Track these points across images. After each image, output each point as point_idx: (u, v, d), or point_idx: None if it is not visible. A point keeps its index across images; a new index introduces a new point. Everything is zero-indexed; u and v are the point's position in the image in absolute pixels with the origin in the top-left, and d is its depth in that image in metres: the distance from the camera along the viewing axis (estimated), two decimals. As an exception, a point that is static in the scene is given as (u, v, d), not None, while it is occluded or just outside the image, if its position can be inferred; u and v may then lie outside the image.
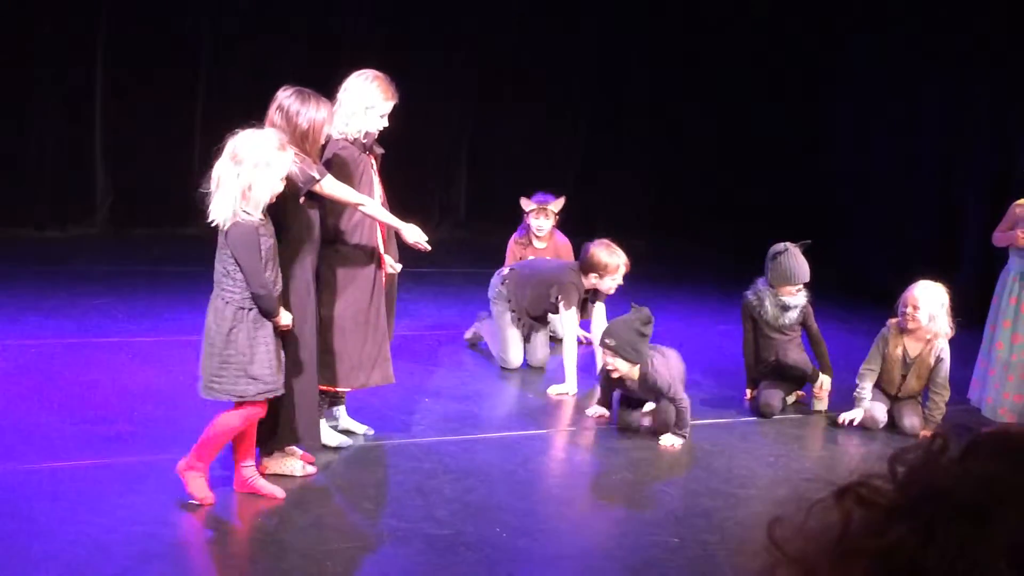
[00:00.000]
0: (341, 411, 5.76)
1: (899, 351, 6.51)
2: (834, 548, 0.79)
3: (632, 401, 6.31)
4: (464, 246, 11.45)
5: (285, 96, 4.93)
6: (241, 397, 4.61)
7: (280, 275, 4.70)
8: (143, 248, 10.11)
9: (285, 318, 4.68)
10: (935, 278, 6.56)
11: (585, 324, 7.41)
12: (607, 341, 5.98)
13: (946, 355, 6.44)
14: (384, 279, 5.49)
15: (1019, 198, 6.65)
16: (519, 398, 6.82)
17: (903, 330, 6.48)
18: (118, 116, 10.46)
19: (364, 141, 5.35)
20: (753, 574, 0.81)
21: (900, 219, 10.81)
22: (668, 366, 6.08)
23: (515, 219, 9.88)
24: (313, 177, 4.87)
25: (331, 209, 5.19)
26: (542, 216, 7.86)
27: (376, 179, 5.45)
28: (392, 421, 5.96)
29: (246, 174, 4.44)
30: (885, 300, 6.92)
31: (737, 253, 10.35)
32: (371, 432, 5.77)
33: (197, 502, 4.65)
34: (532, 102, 12.15)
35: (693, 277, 10.77)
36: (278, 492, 4.85)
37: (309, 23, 11.02)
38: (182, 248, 10.20)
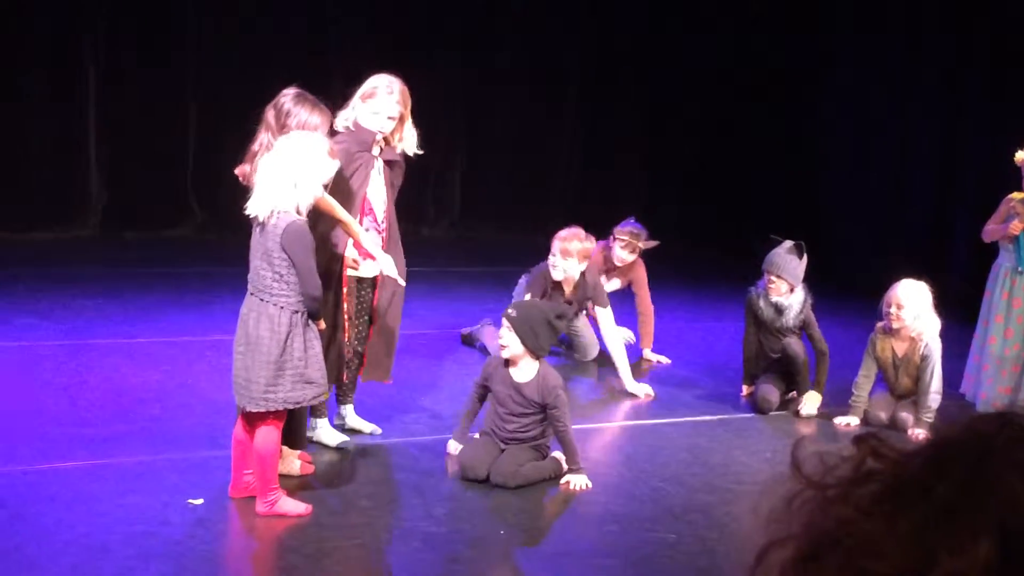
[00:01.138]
0: (348, 409, 5.75)
1: (888, 353, 6.53)
2: (851, 475, 0.86)
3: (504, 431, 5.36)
4: (457, 245, 11.46)
5: (284, 95, 4.95)
6: (298, 403, 4.58)
7: None
8: (136, 250, 10.09)
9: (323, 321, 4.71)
10: (921, 276, 6.58)
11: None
12: (510, 312, 5.29)
13: (933, 351, 6.40)
14: (373, 281, 5.44)
15: (1011, 192, 6.65)
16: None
17: (888, 331, 6.49)
18: (112, 118, 10.44)
19: (353, 130, 5.29)
20: (778, 498, 0.88)
21: (896, 217, 10.86)
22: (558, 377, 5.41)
23: (508, 218, 9.85)
24: None
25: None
26: (627, 250, 7.60)
27: (379, 180, 5.38)
28: (389, 420, 5.95)
29: (294, 173, 4.41)
30: (878, 297, 6.90)
31: (737, 252, 10.39)
32: (379, 431, 5.74)
33: (300, 516, 4.63)
34: (530, 102, 12.17)
35: (692, 276, 10.77)
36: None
37: (306, 24, 11.00)
38: (175, 250, 10.21)
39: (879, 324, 6.56)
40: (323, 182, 4.57)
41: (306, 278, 4.48)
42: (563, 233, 6.99)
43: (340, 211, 5.01)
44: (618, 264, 7.67)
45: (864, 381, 6.59)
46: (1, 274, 8.54)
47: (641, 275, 7.78)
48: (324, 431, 5.51)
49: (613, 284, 7.76)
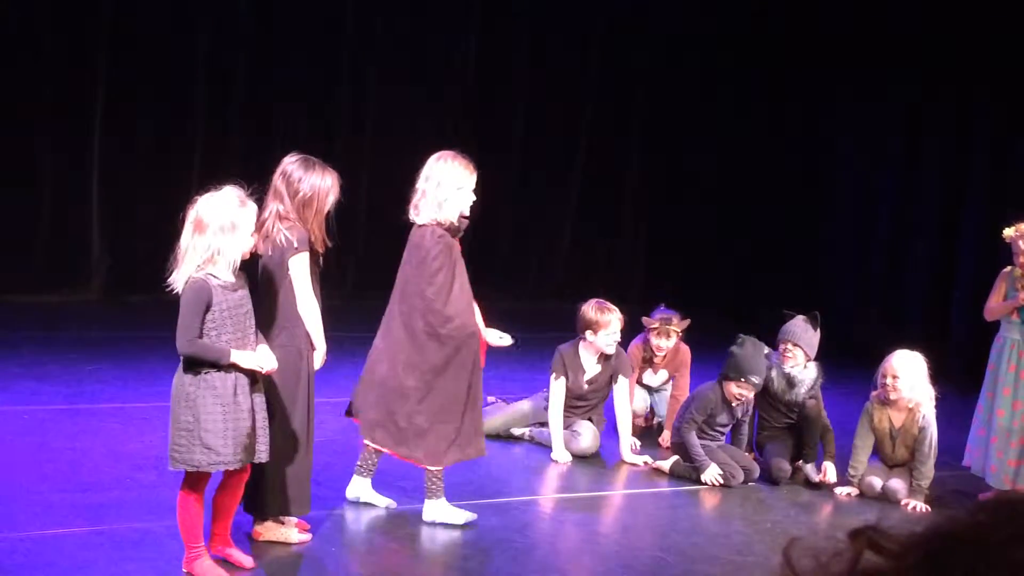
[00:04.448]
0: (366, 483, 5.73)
1: (884, 424, 6.50)
2: (847, 572, 0.84)
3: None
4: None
5: (289, 162, 4.96)
6: (197, 467, 4.44)
7: (253, 336, 4.57)
8: (138, 314, 10.09)
9: (249, 360, 4.46)
10: (917, 346, 6.58)
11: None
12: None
13: (929, 422, 6.41)
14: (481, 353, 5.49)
15: (1006, 266, 6.61)
16: (518, 464, 6.79)
17: (885, 402, 6.48)
18: (115, 181, 10.49)
19: (458, 224, 5.33)
20: None
21: (894, 284, 10.90)
22: None
23: (514, 282, 9.75)
24: (293, 246, 4.81)
25: (439, 291, 5.16)
26: (663, 337, 7.31)
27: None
28: (388, 487, 5.91)
29: (214, 240, 4.38)
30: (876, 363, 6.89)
31: (736, 317, 10.38)
32: (394, 505, 5.68)
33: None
34: (534, 170, 12.26)
35: (694, 342, 10.74)
36: (246, 561, 4.73)
37: (309, 90, 11.09)
38: (175, 314, 10.19)
39: (874, 394, 6.55)
40: (249, 233, 4.47)
41: (180, 330, 4.43)
42: (607, 305, 6.87)
43: (305, 287, 4.89)
44: (659, 354, 7.41)
45: (862, 452, 6.56)
46: (9, 337, 8.53)
47: (685, 359, 7.50)
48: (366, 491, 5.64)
49: (662, 375, 7.57)
